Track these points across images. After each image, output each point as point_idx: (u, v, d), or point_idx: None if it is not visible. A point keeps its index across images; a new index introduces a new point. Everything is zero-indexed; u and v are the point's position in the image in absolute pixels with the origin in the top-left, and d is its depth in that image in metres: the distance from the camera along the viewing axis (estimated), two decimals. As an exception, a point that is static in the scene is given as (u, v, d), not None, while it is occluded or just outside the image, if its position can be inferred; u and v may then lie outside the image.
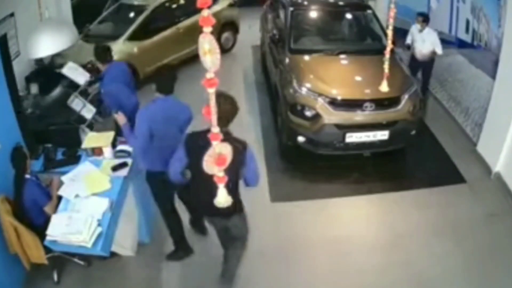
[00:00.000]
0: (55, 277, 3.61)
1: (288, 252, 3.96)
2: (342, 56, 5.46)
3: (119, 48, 6.32)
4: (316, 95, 4.78)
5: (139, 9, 7.06)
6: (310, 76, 5.03)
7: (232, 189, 2.83)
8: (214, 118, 1.83)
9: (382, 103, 4.71)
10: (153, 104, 3.34)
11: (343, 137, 4.74)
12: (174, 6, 7.51)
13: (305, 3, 6.22)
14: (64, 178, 3.48)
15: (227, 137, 2.67)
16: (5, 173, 3.29)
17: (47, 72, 5.28)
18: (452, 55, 5.91)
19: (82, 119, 4.51)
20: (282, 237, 4.06)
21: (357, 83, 5.07)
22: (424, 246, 4.01)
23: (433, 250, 3.95)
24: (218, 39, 7.35)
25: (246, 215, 3.22)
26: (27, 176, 3.28)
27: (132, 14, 7.04)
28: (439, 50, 5.76)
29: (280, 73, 5.53)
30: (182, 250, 3.87)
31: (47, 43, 4.01)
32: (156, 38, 6.97)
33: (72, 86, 4.84)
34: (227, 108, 2.75)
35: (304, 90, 4.88)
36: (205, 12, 1.56)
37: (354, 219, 4.41)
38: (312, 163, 5.10)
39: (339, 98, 4.75)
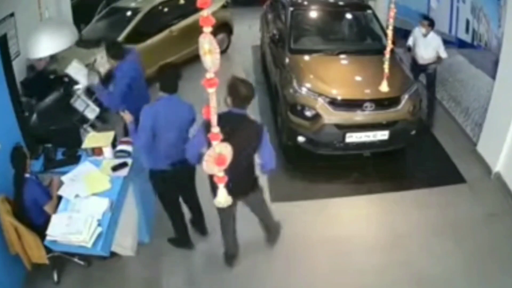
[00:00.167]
0: (55, 277, 3.61)
1: (288, 252, 3.96)
2: (342, 56, 5.45)
3: None
4: (316, 95, 4.78)
5: (132, 13, 6.94)
6: (310, 76, 5.03)
7: (250, 167, 3.23)
8: (214, 118, 1.83)
9: (382, 103, 4.70)
10: (157, 102, 3.35)
11: (343, 137, 4.74)
12: (167, 9, 7.40)
13: (305, 3, 6.22)
14: (64, 178, 3.49)
15: (246, 118, 3.05)
16: (5, 173, 3.29)
17: (40, 79, 5.18)
18: (452, 55, 5.90)
19: (85, 119, 4.50)
20: (282, 237, 4.05)
21: (357, 83, 5.06)
22: (424, 246, 4.01)
23: (433, 250, 3.95)
24: (213, 41, 7.26)
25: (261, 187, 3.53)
26: (27, 175, 3.29)
27: (125, 18, 6.90)
28: (443, 54, 5.55)
29: (280, 73, 5.52)
30: (183, 244, 3.95)
31: (47, 43, 4.00)
32: (149, 41, 6.85)
33: (71, 89, 4.78)
34: (246, 91, 2.99)
35: (304, 90, 4.88)
36: (205, 12, 1.56)
37: (354, 219, 4.41)
38: (312, 163, 5.09)
39: (339, 98, 4.75)
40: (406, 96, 4.82)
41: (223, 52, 8.21)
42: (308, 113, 4.77)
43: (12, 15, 4.81)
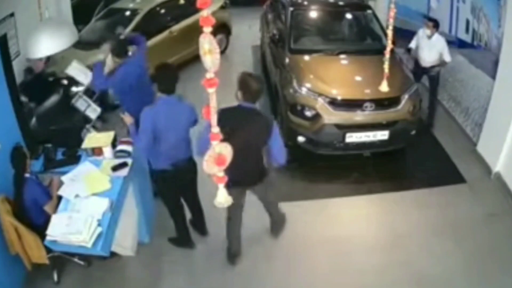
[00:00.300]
0: (55, 277, 3.62)
1: (288, 252, 3.96)
2: (342, 56, 5.46)
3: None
4: (316, 95, 4.78)
5: (131, 13, 6.91)
6: (310, 76, 5.03)
7: (259, 160, 3.34)
8: (214, 118, 1.83)
9: (382, 103, 4.71)
10: (157, 103, 3.37)
11: (343, 137, 4.74)
12: (166, 9, 7.36)
13: (305, 3, 6.22)
14: (64, 178, 3.48)
15: (256, 111, 3.18)
16: (5, 173, 3.29)
17: (39, 81, 5.14)
18: (452, 55, 5.90)
19: (87, 119, 4.49)
20: (282, 237, 4.06)
21: (357, 83, 5.07)
22: (424, 246, 4.01)
23: (433, 250, 3.95)
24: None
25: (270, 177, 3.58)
26: (27, 175, 3.29)
27: (124, 19, 6.86)
28: (447, 57, 5.39)
29: (280, 73, 5.53)
30: (184, 243, 3.95)
31: (47, 43, 4.00)
32: (149, 42, 6.74)
33: (70, 90, 4.75)
34: (256, 86, 3.09)
35: (304, 90, 4.88)
36: (205, 12, 1.56)
37: (354, 219, 4.41)
38: (312, 163, 5.09)
39: (339, 98, 4.75)
40: (406, 96, 4.82)
41: (221, 53, 8.18)
42: (308, 113, 4.77)
43: (12, 15, 4.81)
